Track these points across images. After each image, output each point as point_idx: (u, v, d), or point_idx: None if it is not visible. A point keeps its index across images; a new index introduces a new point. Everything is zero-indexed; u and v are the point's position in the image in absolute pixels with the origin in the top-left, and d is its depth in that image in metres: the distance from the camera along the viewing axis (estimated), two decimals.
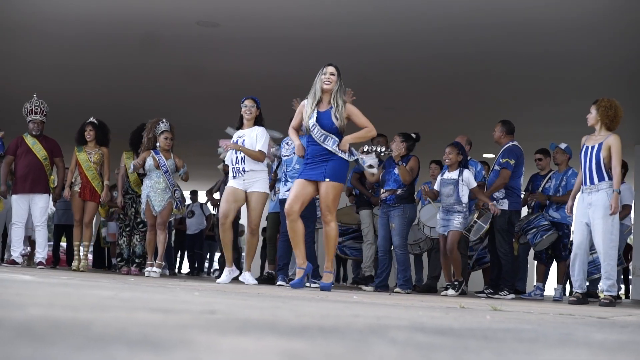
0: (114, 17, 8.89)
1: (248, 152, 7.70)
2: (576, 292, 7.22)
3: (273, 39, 9.43)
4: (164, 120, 9.46)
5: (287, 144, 8.74)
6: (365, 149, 7.80)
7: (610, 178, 7.02)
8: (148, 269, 9.40)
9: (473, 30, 8.77)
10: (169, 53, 10.24)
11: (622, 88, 10.50)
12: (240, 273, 8.27)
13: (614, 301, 6.99)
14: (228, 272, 7.92)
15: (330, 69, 6.62)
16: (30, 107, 9.78)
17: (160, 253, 9.40)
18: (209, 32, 9.19)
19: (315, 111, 6.57)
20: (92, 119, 10.00)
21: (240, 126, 8.02)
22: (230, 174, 7.90)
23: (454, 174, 8.42)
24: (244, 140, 7.76)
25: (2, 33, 9.72)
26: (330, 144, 6.50)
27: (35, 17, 9.09)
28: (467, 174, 8.41)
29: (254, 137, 7.78)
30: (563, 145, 9.53)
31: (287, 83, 10.25)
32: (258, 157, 7.73)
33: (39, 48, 10.32)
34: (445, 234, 8.38)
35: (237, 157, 7.76)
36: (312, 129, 6.57)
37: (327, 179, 6.47)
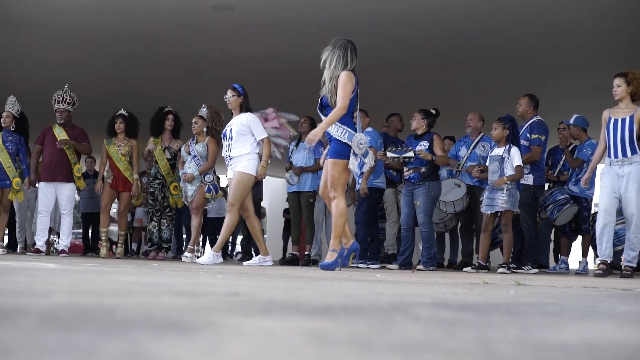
0: (127, 4, 8.89)
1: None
2: (601, 263, 7.18)
3: (287, 21, 9.39)
4: (204, 105, 9.48)
5: None
6: (392, 154, 7.97)
7: None
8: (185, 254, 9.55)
9: (487, 4, 8.69)
10: (184, 39, 10.22)
11: (636, 59, 10.36)
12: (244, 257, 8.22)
13: (632, 273, 6.99)
14: (259, 259, 7.88)
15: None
16: (56, 96, 9.91)
17: (194, 238, 9.43)
18: (224, 16, 9.17)
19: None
20: (122, 111, 10.05)
21: None
22: None
23: (500, 150, 8.09)
24: (231, 129, 7.83)
25: (7, 26, 9.74)
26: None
27: (41, 8, 9.11)
28: (514, 151, 8.00)
29: (245, 126, 7.81)
30: (572, 120, 9.48)
31: (302, 65, 10.18)
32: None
33: (52, 40, 10.33)
34: (488, 213, 8.07)
35: (226, 145, 7.86)
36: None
37: (328, 157, 6.67)
